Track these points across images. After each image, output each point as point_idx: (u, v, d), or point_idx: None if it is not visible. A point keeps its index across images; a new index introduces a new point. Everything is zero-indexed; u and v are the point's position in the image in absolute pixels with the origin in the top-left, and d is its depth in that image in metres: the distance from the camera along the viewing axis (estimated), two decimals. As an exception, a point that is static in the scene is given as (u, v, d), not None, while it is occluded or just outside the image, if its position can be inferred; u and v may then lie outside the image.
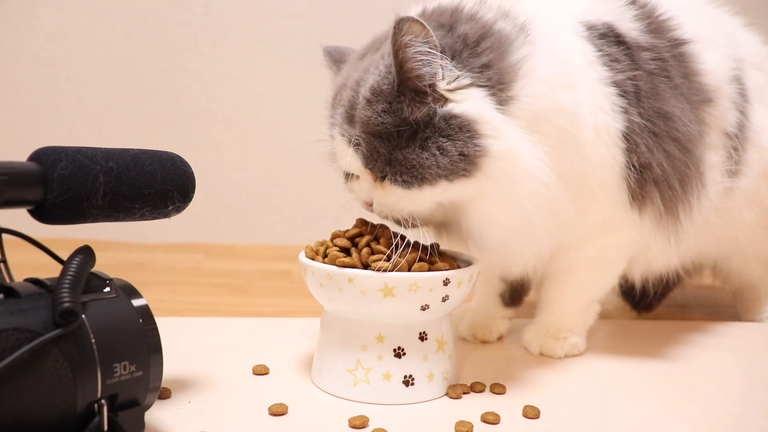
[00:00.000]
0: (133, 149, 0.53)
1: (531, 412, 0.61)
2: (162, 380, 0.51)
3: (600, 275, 0.81)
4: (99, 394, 0.46)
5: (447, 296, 0.62)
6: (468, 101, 0.60)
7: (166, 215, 0.56)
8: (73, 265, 0.47)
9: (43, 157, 0.47)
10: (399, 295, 0.60)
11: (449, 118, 0.60)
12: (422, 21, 0.58)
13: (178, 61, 1.55)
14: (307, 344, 0.79)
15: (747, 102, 0.82)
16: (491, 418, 0.59)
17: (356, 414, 0.59)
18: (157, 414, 0.58)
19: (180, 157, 0.57)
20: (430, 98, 0.60)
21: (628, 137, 0.69)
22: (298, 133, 1.56)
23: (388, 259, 0.61)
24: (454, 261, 0.66)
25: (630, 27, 0.73)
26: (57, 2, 1.52)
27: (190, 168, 0.57)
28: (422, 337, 0.64)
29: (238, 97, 1.57)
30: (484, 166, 0.60)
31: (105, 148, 0.51)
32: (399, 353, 0.63)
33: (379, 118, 0.61)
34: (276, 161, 1.59)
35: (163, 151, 0.56)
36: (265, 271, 1.33)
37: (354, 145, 0.63)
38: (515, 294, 0.87)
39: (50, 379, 0.43)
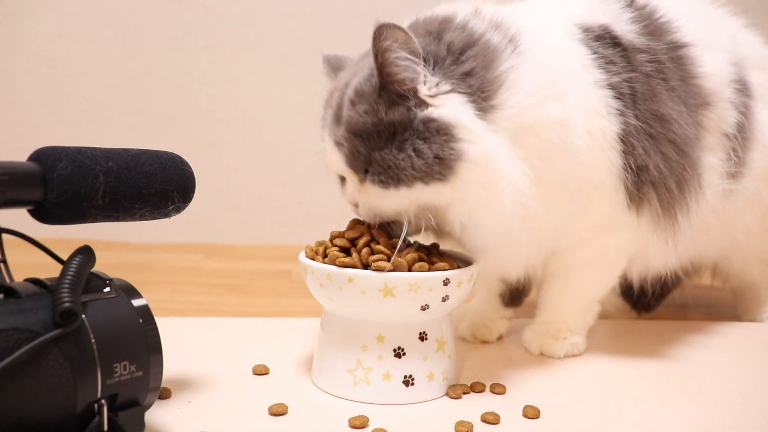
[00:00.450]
0: (133, 149, 0.53)
1: (531, 412, 0.61)
2: (162, 380, 0.52)
3: (599, 276, 0.81)
4: (99, 394, 0.46)
5: (447, 296, 0.62)
6: (447, 106, 0.61)
7: (166, 215, 0.56)
8: (73, 265, 0.47)
9: (43, 157, 0.47)
10: (399, 295, 0.60)
11: (427, 121, 0.61)
12: (402, 27, 0.59)
13: (178, 61, 1.55)
14: (307, 344, 0.79)
15: (751, 100, 0.82)
16: (491, 418, 0.59)
17: (356, 414, 0.59)
18: (157, 414, 0.58)
19: (180, 157, 0.57)
20: (411, 102, 0.61)
21: (625, 139, 0.70)
22: (298, 133, 1.56)
23: (388, 259, 0.61)
24: (454, 261, 0.66)
25: (627, 29, 0.73)
26: (57, 2, 1.51)
27: (190, 168, 0.57)
28: (422, 337, 0.64)
29: (238, 97, 1.57)
30: (459, 171, 0.60)
31: (105, 148, 0.51)
32: (399, 353, 0.63)
33: (360, 118, 0.62)
34: (276, 161, 1.59)
35: (163, 151, 0.56)
36: (265, 271, 1.33)
37: (337, 145, 0.64)
38: (515, 294, 0.87)
39: (50, 379, 0.43)
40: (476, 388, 0.67)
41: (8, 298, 0.45)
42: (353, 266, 0.61)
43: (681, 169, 0.72)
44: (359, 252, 0.63)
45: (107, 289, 0.50)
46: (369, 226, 0.67)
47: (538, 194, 0.63)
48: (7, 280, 0.48)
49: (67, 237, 0.90)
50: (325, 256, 0.64)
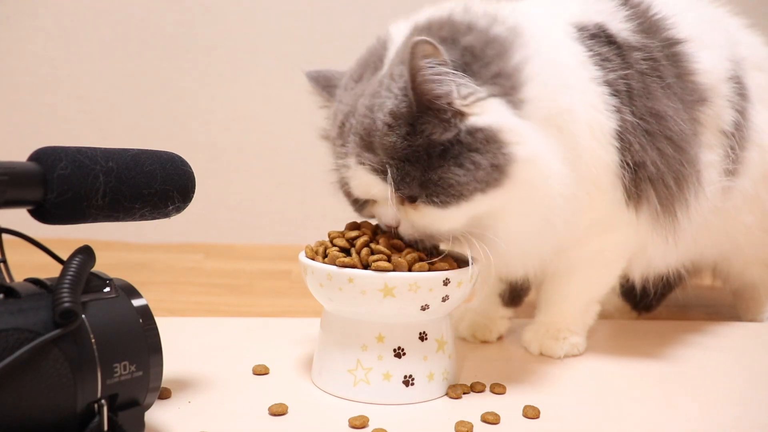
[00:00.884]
0: (133, 149, 0.53)
1: (531, 412, 0.61)
2: (162, 380, 0.52)
3: (599, 275, 0.81)
4: (99, 394, 0.46)
5: (447, 296, 0.62)
6: (488, 113, 0.61)
7: (166, 215, 0.56)
8: (73, 265, 0.47)
9: (43, 157, 0.47)
10: (399, 295, 0.60)
11: (474, 131, 0.60)
12: (432, 41, 0.58)
13: (178, 61, 1.55)
14: (307, 344, 0.79)
15: (747, 101, 0.82)
16: (491, 418, 0.59)
17: (356, 414, 0.59)
18: (157, 414, 0.58)
19: (180, 157, 0.57)
20: (449, 114, 0.60)
21: (622, 136, 0.70)
22: (299, 133, 1.56)
23: (389, 259, 0.61)
24: (454, 261, 0.66)
25: (621, 27, 0.73)
26: (57, 2, 1.51)
27: (190, 168, 0.57)
28: (422, 337, 0.64)
29: (238, 97, 1.57)
30: (512, 173, 0.61)
31: (105, 148, 0.51)
32: (399, 353, 0.63)
33: (405, 142, 0.60)
34: (276, 161, 1.59)
35: (163, 151, 0.56)
36: (265, 271, 1.33)
37: (376, 171, 0.62)
38: (515, 294, 0.87)
39: (50, 379, 0.43)
40: (476, 388, 0.67)
41: (8, 298, 0.45)
42: (353, 266, 0.61)
43: (679, 165, 0.72)
44: (358, 252, 0.63)
45: (107, 289, 0.50)
46: (373, 229, 0.67)
47: (573, 181, 0.64)
48: (7, 280, 0.48)
49: (67, 237, 0.90)
50: (325, 256, 0.64)
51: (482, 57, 0.62)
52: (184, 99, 1.56)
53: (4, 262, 0.49)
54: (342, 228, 0.68)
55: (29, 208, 0.47)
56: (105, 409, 0.46)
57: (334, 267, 0.62)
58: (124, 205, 0.51)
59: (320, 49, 1.50)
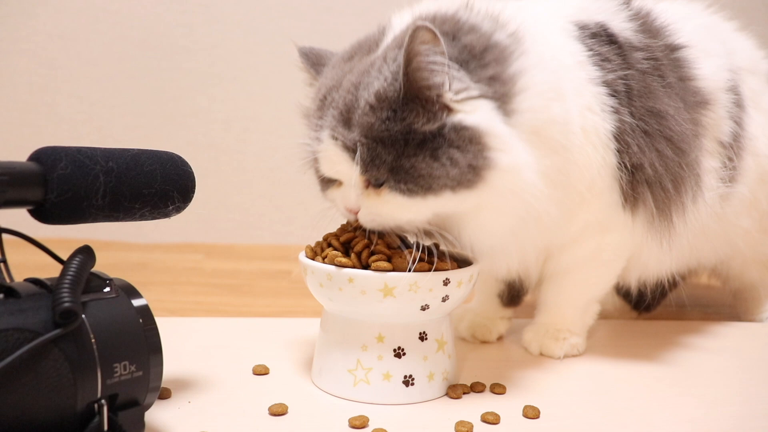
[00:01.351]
0: (133, 149, 0.53)
1: (531, 412, 0.61)
2: (162, 380, 0.52)
3: (598, 275, 0.81)
4: (99, 394, 0.46)
5: (447, 296, 0.62)
6: (478, 113, 0.60)
7: (166, 215, 0.56)
8: (73, 265, 0.47)
9: (43, 157, 0.47)
10: (399, 295, 0.60)
11: (459, 129, 0.59)
12: (433, 28, 0.56)
13: (178, 61, 1.55)
14: (307, 344, 0.79)
15: (743, 111, 0.82)
16: (491, 418, 0.59)
17: (356, 414, 0.59)
18: (157, 414, 0.58)
19: (180, 157, 0.57)
20: (436, 107, 0.59)
21: (619, 137, 0.69)
22: (298, 133, 1.56)
23: (388, 259, 0.61)
24: (454, 261, 0.66)
25: (623, 27, 0.73)
26: (57, 2, 1.52)
27: (190, 168, 0.57)
28: (422, 337, 0.64)
29: (238, 97, 1.57)
30: (489, 178, 0.59)
31: (105, 148, 0.51)
32: (399, 353, 0.63)
33: (384, 125, 0.59)
34: (276, 161, 1.59)
35: (163, 151, 0.56)
36: (265, 271, 1.33)
37: (346, 148, 0.61)
38: (513, 294, 0.87)
39: (50, 379, 0.43)
40: (476, 388, 0.67)
41: (8, 298, 0.45)
42: (352, 266, 0.61)
43: (677, 167, 0.71)
44: (358, 254, 0.63)
45: (107, 289, 0.50)
46: (366, 233, 0.66)
47: (546, 194, 0.63)
48: (7, 280, 0.48)
49: (67, 237, 0.91)
50: (324, 256, 0.64)
51: (481, 58, 0.62)
52: (184, 99, 1.56)
53: (4, 262, 0.49)
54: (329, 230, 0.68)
55: (29, 208, 0.47)
56: (105, 409, 0.46)
57: (334, 267, 0.62)
58: (124, 205, 0.51)
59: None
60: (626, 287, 0.89)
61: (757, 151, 0.84)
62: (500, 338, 0.85)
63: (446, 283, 0.62)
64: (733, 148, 0.80)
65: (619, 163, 0.70)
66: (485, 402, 0.64)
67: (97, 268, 0.51)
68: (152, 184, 0.53)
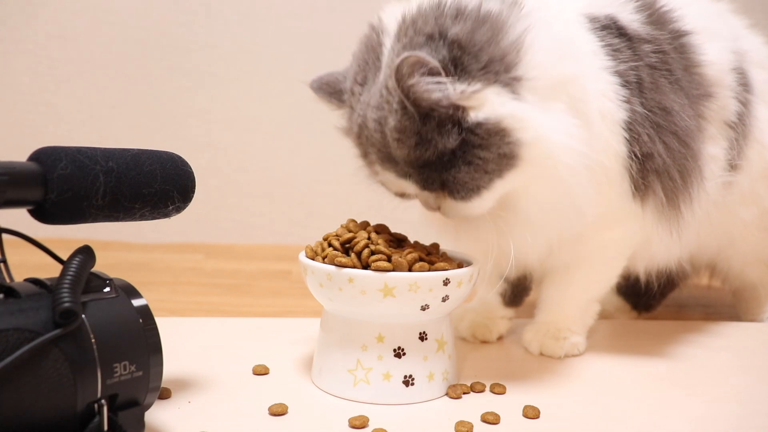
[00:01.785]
0: (133, 149, 0.53)
1: (531, 412, 0.61)
2: (162, 380, 0.52)
3: (599, 273, 0.81)
4: (99, 394, 0.46)
5: (447, 296, 0.62)
6: (486, 104, 0.61)
7: (166, 215, 0.56)
8: (73, 265, 0.47)
9: (43, 157, 0.47)
10: (399, 295, 0.60)
11: (476, 127, 0.61)
12: (419, 55, 0.58)
13: (178, 61, 1.55)
14: (307, 344, 0.79)
15: (751, 94, 0.82)
16: (491, 418, 0.59)
17: (356, 414, 0.59)
18: (157, 414, 0.58)
19: (180, 157, 0.57)
20: (450, 111, 0.61)
21: (631, 127, 0.70)
22: (299, 133, 1.56)
23: (388, 259, 0.61)
24: (454, 261, 0.66)
25: (631, 18, 0.73)
26: (57, 2, 1.51)
27: (190, 168, 0.57)
28: (422, 337, 0.64)
29: (238, 97, 1.57)
30: (523, 155, 0.62)
31: (105, 148, 0.51)
32: (399, 353, 0.63)
33: (416, 152, 0.62)
34: (276, 161, 1.59)
35: (163, 151, 0.56)
36: (265, 271, 1.33)
37: (404, 176, 0.66)
38: (516, 293, 0.87)
39: (50, 379, 0.43)
40: (476, 388, 0.67)
41: (8, 298, 0.45)
42: (352, 266, 0.61)
43: (683, 159, 0.72)
44: (358, 254, 0.63)
45: (107, 289, 0.50)
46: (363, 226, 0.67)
47: (581, 155, 0.65)
48: (7, 280, 0.48)
49: (67, 237, 0.91)
50: (325, 256, 0.64)
51: (471, 46, 0.61)
52: (184, 99, 1.56)
53: (4, 262, 0.49)
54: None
55: (29, 208, 0.47)
56: (105, 409, 0.46)
57: (334, 267, 0.62)
58: (124, 205, 0.51)
59: (320, 48, 1.50)
60: (630, 281, 0.89)
61: (763, 140, 0.85)
62: (500, 338, 0.85)
63: (446, 283, 0.62)
64: (739, 129, 0.80)
65: (630, 152, 0.70)
66: (485, 402, 0.64)
67: (97, 268, 0.51)
68: (152, 184, 0.53)
